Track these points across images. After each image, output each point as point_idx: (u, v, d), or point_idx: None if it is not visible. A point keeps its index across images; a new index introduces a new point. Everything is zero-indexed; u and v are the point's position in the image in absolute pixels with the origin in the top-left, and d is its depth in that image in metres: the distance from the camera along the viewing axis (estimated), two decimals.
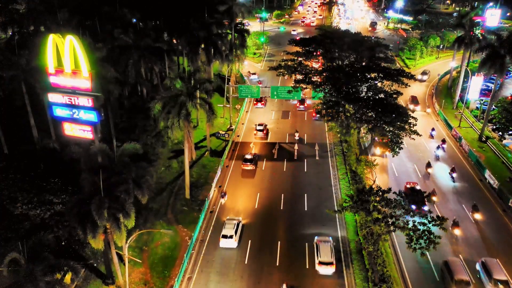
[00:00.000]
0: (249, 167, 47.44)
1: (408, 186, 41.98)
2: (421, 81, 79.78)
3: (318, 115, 51.92)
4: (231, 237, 35.01)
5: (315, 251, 33.45)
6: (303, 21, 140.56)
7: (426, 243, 26.46)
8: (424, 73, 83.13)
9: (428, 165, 47.38)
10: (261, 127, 55.38)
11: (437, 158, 50.49)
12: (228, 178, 46.28)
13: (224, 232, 35.30)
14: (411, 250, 26.57)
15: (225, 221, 37.21)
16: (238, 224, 36.38)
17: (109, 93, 42.88)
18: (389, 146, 40.90)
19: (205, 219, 39.02)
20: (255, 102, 66.79)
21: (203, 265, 33.37)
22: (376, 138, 46.73)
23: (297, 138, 54.51)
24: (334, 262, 31.91)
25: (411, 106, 64.40)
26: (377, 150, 49.91)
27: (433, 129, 57.16)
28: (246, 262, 33.51)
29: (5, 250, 29.73)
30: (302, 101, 65.26)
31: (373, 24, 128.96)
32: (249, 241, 35.92)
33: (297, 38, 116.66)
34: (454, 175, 45.61)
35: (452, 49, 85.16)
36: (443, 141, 53.36)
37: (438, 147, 51.84)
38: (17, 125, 48.23)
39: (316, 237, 35.10)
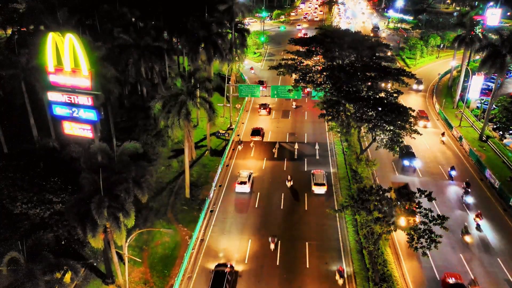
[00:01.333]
0: (257, 138, 54.09)
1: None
2: (417, 91, 75.46)
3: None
4: (245, 183, 41.85)
5: (311, 178, 43.00)
6: (305, 17, 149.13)
7: (427, 242, 26.36)
8: (418, 81, 74.90)
9: (466, 231, 35.55)
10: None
11: (466, 206, 39.78)
12: (229, 177, 46.20)
13: (239, 179, 42.20)
14: (413, 249, 26.46)
15: (239, 172, 44.01)
16: (250, 175, 43.59)
17: (109, 92, 42.75)
18: (389, 145, 40.76)
19: (205, 218, 38.93)
20: (259, 109, 63.87)
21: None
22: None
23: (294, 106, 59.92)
24: (326, 184, 41.90)
25: (421, 123, 57.52)
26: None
27: (452, 168, 45.55)
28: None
29: (5, 249, 29.66)
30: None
31: (375, 30, 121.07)
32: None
33: (302, 32, 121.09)
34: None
35: (452, 49, 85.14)
36: (467, 184, 41.68)
37: (465, 192, 40.96)
38: (17, 124, 48.15)
39: (312, 170, 44.85)
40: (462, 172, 46.69)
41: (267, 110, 56.92)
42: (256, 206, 40.48)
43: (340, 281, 30.88)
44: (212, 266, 32.16)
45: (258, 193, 42.51)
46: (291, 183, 43.62)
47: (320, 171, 44.43)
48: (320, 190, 41.87)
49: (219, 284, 28.93)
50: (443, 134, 54.65)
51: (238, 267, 32.46)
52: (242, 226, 37.55)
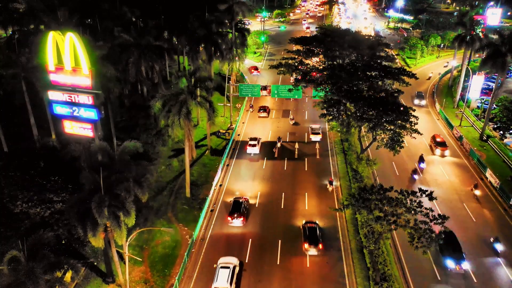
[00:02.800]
0: (263, 114, 62.11)
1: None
2: (419, 106, 66.79)
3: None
4: (255, 145, 50.27)
5: (309, 130, 55.34)
6: (307, 14, 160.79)
7: (428, 242, 26.32)
8: (419, 95, 68.87)
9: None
10: (254, 142, 50.85)
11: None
12: (229, 177, 46.19)
13: (250, 142, 50.80)
14: (413, 248, 26.43)
15: (249, 138, 52.23)
16: (259, 140, 52.14)
17: (109, 91, 42.77)
18: (389, 145, 40.73)
19: (205, 217, 38.92)
20: (258, 111, 62.97)
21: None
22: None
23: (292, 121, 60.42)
24: (321, 133, 51.86)
25: (438, 152, 50.23)
26: None
27: (496, 240, 34.62)
28: None
29: (5, 248, 29.66)
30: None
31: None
32: None
33: (305, 26, 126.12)
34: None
35: (452, 48, 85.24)
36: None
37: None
38: (17, 123, 48.12)
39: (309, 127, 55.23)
40: (463, 173, 46.69)
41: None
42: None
43: (330, 188, 42.54)
44: (231, 199, 41.03)
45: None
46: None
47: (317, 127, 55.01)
48: (316, 137, 53.54)
49: (238, 207, 38.03)
50: (475, 186, 42.09)
51: (251, 201, 41.36)
52: (254, 174, 46.63)
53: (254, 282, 31.25)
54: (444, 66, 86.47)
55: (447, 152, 50.66)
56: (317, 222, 37.35)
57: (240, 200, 39.08)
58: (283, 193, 42.67)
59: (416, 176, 45.12)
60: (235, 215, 37.25)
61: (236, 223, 37.36)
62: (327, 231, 36.89)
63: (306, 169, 47.59)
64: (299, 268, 32.54)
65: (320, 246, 33.65)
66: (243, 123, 61.26)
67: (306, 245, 33.73)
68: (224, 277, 29.61)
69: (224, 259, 32.27)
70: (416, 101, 67.88)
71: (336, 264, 32.97)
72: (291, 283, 31.14)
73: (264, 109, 63.20)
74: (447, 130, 58.55)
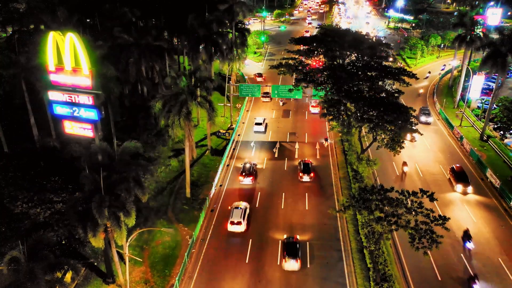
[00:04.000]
0: (267, 99, 66.23)
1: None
2: (426, 124, 59.48)
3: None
4: (260, 124, 56.74)
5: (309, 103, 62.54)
6: (309, 11, 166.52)
7: (428, 242, 26.28)
8: (425, 111, 61.10)
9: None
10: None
11: None
12: (229, 177, 46.16)
13: (256, 121, 57.02)
14: (414, 249, 26.39)
15: (255, 118, 58.47)
16: (264, 120, 58.42)
17: (109, 91, 42.68)
18: (390, 145, 40.68)
19: (205, 218, 38.89)
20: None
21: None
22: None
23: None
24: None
25: (459, 188, 42.38)
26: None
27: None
28: None
29: (5, 249, 29.67)
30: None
31: None
32: None
33: (307, 21, 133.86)
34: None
35: (453, 48, 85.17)
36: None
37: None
38: (17, 124, 48.07)
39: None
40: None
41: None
42: (263, 167, 48.66)
43: (326, 144, 50.81)
44: (241, 163, 47.13)
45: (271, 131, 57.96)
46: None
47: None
48: (314, 109, 61.96)
49: (249, 170, 44.37)
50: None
51: (259, 166, 47.88)
52: (261, 147, 52.37)
53: (263, 222, 38.03)
54: (441, 70, 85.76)
55: (469, 189, 42.07)
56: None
57: (250, 164, 45.28)
58: (283, 193, 42.67)
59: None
60: (245, 174, 43.69)
61: (246, 181, 43.63)
62: (327, 231, 36.87)
63: None
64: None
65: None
66: (243, 123, 61.23)
67: None
68: (238, 214, 36.70)
69: (236, 203, 38.83)
70: (422, 118, 59.52)
71: (336, 264, 32.94)
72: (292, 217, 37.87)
73: (267, 93, 66.02)
74: (447, 131, 58.52)
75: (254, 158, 49.81)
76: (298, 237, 35.21)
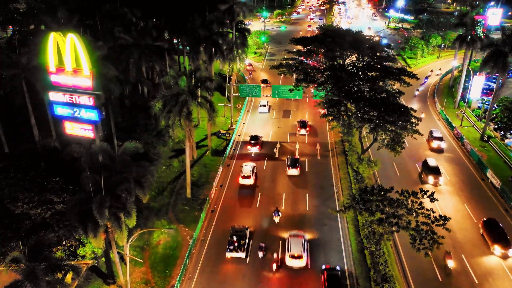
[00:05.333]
0: (267, 86, 69.97)
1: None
2: (438, 151, 51.42)
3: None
4: (265, 106, 63.90)
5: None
6: (310, 8, 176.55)
7: (429, 243, 26.25)
8: (435, 136, 51.98)
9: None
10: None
11: None
12: (229, 177, 46.16)
13: (261, 103, 64.26)
14: (415, 250, 26.35)
15: (260, 101, 64.50)
16: (268, 102, 64.97)
17: (110, 92, 42.72)
18: (390, 145, 40.65)
19: (206, 218, 38.89)
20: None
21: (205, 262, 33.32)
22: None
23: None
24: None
25: (497, 251, 34.04)
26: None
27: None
28: None
29: (6, 249, 29.69)
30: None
31: None
32: None
33: (311, 18, 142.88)
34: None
35: (453, 49, 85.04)
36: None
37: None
38: (18, 124, 48.10)
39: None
40: (464, 173, 46.40)
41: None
42: (264, 167, 48.81)
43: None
44: (248, 137, 53.19)
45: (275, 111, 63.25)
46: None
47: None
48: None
49: (256, 140, 51.99)
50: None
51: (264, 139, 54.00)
52: (265, 122, 57.89)
53: (270, 181, 44.89)
54: (437, 75, 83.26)
55: (510, 252, 33.77)
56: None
57: (250, 166, 45.87)
58: (284, 193, 42.67)
59: None
60: (253, 143, 51.36)
61: (254, 150, 51.00)
62: (328, 231, 36.87)
63: (307, 169, 47.54)
64: None
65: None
66: (243, 123, 61.22)
67: None
68: (248, 169, 43.94)
69: (246, 163, 45.83)
70: (435, 144, 51.47)
71: (336, 265, 32.88)
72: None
73: (266, 81, 73.28)
74: (448, 131, 58.50)
75: (254, 159, 49.82)
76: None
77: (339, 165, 48.51)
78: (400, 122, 39.34)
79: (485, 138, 55.14)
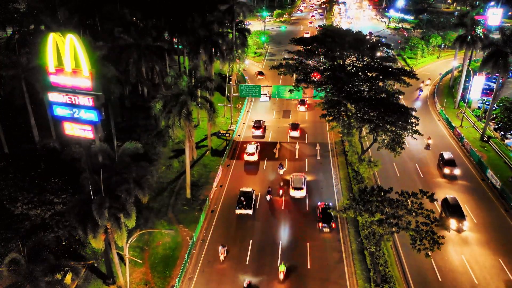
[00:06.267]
0: (263, 76, 77.08)
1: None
2: (450, 177, 45.26)
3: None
4: (266, 95, 66.61)
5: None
6: (312, 6, 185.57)
7: (430, 244, 26.23)
8: (447, 160, 45.97)
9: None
10: (252, 150, 49.51)
11: None
12: (229, 178, 46.12)
13: (262, 92, 63.82)
14: (416, 251, 26.32)
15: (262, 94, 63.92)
16: (268, 92, 66.25)
17: (110, 92, 42.65)
18: (390, 146, 40.58)
19: (206, 218, 38.86)
20: (252, 127, 58.55)
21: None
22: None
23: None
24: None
25: None
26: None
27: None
28: None
29: (5, 250, 29.65)
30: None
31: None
32: None
33: (313, 15, 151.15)
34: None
35: (453, 49, 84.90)
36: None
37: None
38: (17, 125, 48.07)
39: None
40: (464, 173, 46.36)
41: (261, 129, 56.72)
42: (264, 168, 49.45)
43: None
44: (252, 122, 58.09)
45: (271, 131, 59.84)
46: None
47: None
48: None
49: (259, 125, 57.15)
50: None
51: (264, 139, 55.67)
52: (261, 147, 52.57)
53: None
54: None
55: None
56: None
57: (260, 120, 57.09)
58: (283, 195, 42.63)
59: None
60: (256, 128, 56.84)
61: (257, 133, 56.28)
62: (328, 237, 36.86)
63: (307, 170, 47.52)
64: None
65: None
66: (243, 123, 61.19)
67: None
68: (252, 148, 49.67)
69: (249, 144, 51.16)
70: (446, 171, 45.49)
71: (336, 266, 32.90)
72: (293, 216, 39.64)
73: (261, 73, 79.88)
74: (448, 131, 58.45)
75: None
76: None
77: (339, 166, 48.46)
78: (400, 123, 39.29)
79: (485, 138, 55.08)
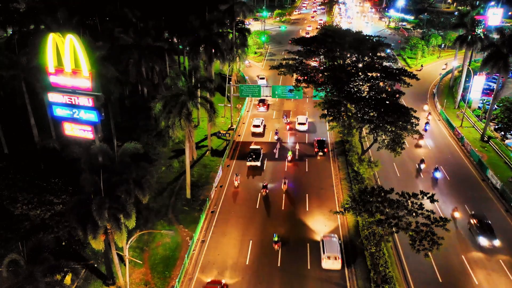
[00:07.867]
0: (263, 77, 77.54)
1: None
2: (488, 253, 34.20)
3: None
4: (263, 78, 75.29)
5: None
6: (314, 3, 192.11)
7: (429, 244, 26.20)
8: (484, 225, 35.42)
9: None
10: (258, 123, 57.75)
11: None
12: (229, 178, 46.09)
13: (260, 75, 75.60)
14: (415, 251, 26.30)
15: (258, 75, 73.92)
16: (265, 77, 73.57)
17: (109, 92, 42.64)
18: (390, 146, 40.55)
19: (206, 219, 38.84)
20: (257, 104, 66.05)
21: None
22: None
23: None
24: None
25: None
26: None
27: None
28: None
29: (5, 251, 29.61)
30: (262, 101, 65.91)
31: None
32: None
33: (314, 11, 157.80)
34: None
35: (453, 48, 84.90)
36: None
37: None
38: (17, 125, 48.05)
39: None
40: (464, 173, 46.26)
41: (266, 106, 65.12)
42: (264, 168, 49.11)
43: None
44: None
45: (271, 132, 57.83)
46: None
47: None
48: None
49: (262, 100, 64.90)
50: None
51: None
52: (266, 120, 59.27)
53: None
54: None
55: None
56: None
57: (263, 99, 63.76)
58: (283, 195, 42.63)
59: None
60: (261, 104, 64.04)
61: (262, 109, 64.13)
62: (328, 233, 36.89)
63: (306, 170, 47.50)
64: None
65: None
66: (243, 123, 61.16)
67: None
68: (258, 121, 57.36)
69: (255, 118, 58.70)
70: (482, 241, 34.67)
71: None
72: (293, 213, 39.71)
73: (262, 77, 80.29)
74: (448, 132, 58.41)
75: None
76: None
77: (339, 166, 48.44)
78: (400, 123, 39.25)
79: (486, 139, 55.04)
